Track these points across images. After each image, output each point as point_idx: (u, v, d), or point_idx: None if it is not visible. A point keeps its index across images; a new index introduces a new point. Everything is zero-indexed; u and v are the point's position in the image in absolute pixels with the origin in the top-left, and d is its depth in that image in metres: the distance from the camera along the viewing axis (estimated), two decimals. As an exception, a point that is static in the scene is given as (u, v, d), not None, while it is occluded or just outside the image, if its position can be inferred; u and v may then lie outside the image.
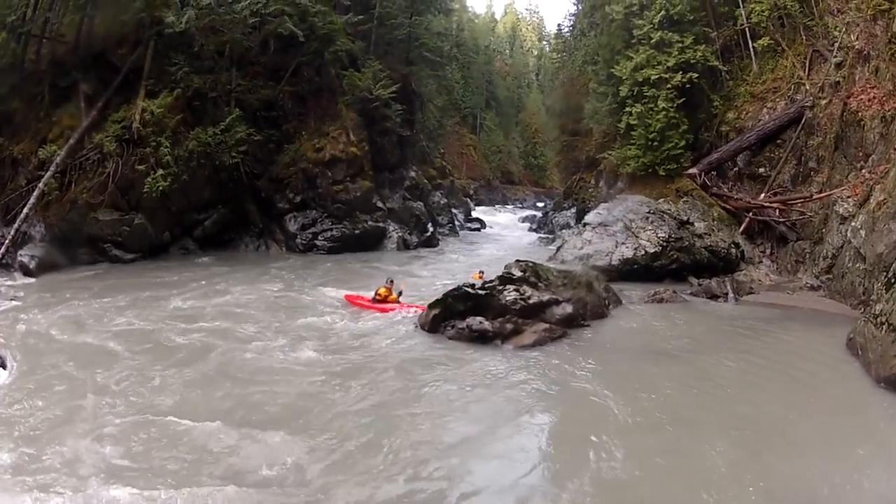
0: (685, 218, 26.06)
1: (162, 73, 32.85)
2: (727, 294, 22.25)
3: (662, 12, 30.20)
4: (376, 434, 10.99)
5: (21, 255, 28.76)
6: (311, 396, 12.89)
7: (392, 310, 19.75)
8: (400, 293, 20.77)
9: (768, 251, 26.82)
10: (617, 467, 9.92)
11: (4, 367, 14.98)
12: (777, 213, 26.44)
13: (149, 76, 32.83)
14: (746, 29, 30.69)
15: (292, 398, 12.77)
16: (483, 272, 22.31)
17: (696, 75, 29.73)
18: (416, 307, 19.22)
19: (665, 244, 24.50)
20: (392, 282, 21.37)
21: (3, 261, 28.10)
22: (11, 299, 23.36)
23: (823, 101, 26.30)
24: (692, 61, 29.79)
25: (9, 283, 26.43)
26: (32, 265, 28.27)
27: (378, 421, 11.58)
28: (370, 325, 18.43)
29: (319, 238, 35.03)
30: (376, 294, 20.52)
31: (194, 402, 12.55)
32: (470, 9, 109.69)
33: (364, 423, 11.46)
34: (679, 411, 12.02)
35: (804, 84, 27.94)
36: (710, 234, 25.93)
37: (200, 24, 32.39)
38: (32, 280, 27.38)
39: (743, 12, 30.73)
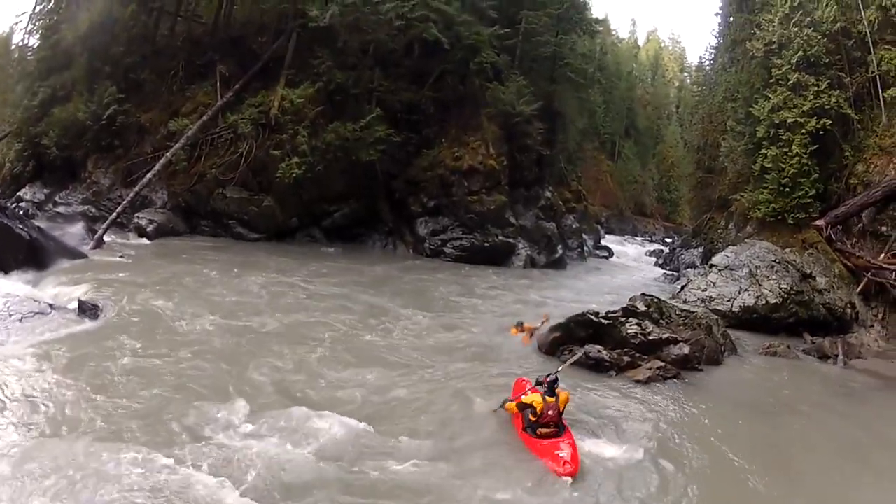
0: (808, 271, 25.31)
1: (304, 64, 33.90)
2: (837, 356, 21.19)
3: (800, 52, 29.62)
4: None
5: (139, 217, 30.32)
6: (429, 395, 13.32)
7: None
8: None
9: (881, 315, 25.57)
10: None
11: (97, 317, 15.86)
12: (894, 277, 25.27)
13: (290, 66, 33.85)
14: (877, 77, 29.36)
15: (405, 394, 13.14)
16: (521, 324, 17.94)
17: (829, 122, 28.96)
18: None
19: (786, 296, 23.78)
20: (554, 380, 11.29)
21: (119, 220, 29.33)
22: (121, 256, 24.56)
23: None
24: (826, 107, 28.93)
25: (121, 241, 27.87)
26: (150, 228, 29.87)
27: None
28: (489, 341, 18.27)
29: (448, 245, 35.32)
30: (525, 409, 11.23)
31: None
32: (614, 32, 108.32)
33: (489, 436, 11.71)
34: (802, 480, 11.56)
35: (928, 139, 26.76)
36: (829, 291, 25.08)
37: (345, 21, 33.09)
38: (147, 242, 28.85)
39: (874, 59, 29.42)
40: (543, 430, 10.95)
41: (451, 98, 37.89)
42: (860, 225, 28.21)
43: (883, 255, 26.20)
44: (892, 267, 25.45)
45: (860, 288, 26.13)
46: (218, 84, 33.73)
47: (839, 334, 23.61)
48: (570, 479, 9.91)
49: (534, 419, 11.00)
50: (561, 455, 10.35)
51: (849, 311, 24.94)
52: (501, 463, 10.68)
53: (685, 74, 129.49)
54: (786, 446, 13.02)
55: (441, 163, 36.17)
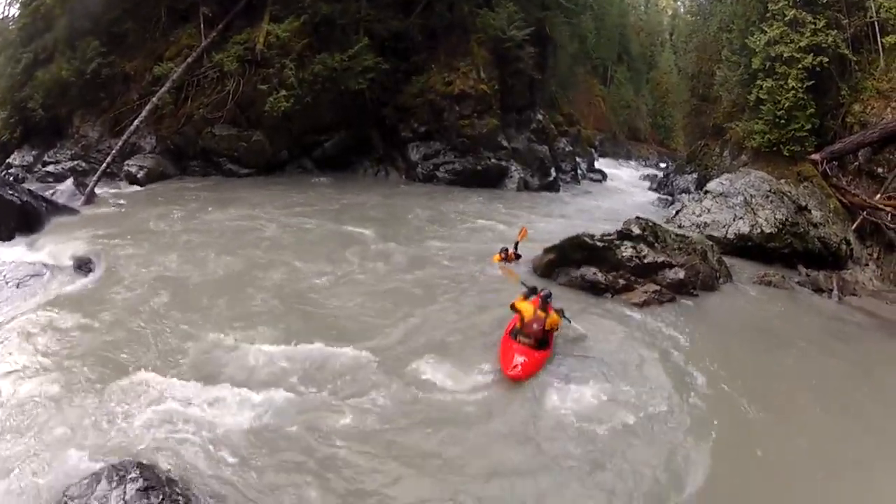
0: (803, 203, 25.17)
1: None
2: (832, 290, 21.30)
3: (798, -11, 29.30)
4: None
5: (128, 164, 29.90)
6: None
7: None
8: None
9: (875, 255, 25.65)
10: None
11: (91, 271, 15.77)
12: (889, 218, 25.29)
13: (274, 2, 33.25)
14: (876, 23, 29.12)
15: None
16: (506, 250, 18.80)
17: (826, 60, 28.63)
18: None
19: (781, 226, 23.53)
20: (548, 294, 12.52)
21: (109, 170, 28.78)
22: (113, 206, 24.31)
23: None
24: (823, 45, 28.60)
25: (112, 191, 27.40)
26: (140, 174, 29.47)
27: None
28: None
29: (440, 170, 35.36)
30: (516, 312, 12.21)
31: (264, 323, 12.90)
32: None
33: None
34: (794, 410, 11.75)
35: (926, 86, 26.60)
36: (824, 225, 24.99)
37: (328, -48, 32.28)
38: (139, 189, 28.47)
39: (873, 4, 29.20)
40: (524, 339, 11.61)
41: (440, 25, 37.43)
42: (856, 164, 28.13)
43: (879, 196, 26.13)
44: (887, 208, 25.41)
45: (855, 225, 26.17)
46: (201, 25, 32.92)
47: (834, 269, 23.56)
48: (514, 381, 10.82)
49: (519, 326, 11.80)
50: (517, 360, 11.13)
51: (844, 247, 24.83)
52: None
53: (678, 3, 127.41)
54: (780, 376, 13.07)
55: (431, 88, 35.91)
